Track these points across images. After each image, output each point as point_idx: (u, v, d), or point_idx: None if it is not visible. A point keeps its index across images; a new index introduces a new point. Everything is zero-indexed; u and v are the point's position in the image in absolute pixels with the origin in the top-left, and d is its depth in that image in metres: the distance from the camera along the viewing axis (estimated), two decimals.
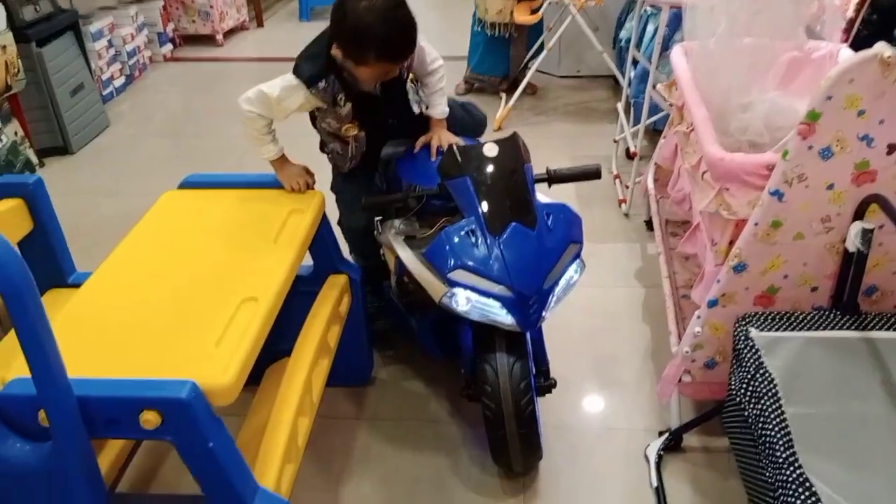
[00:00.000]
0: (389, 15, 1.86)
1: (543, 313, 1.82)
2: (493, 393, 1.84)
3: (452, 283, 1.78)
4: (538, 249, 1.80)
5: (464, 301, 1.79)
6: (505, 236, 1.79)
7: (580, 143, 3.98)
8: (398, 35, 1.89)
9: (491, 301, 1.77)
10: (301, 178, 2.06)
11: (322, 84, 1.97)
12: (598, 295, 2.76)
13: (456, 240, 1.80)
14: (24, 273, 1.14)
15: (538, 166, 1.98)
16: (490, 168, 1.89)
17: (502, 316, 1.78)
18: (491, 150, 1.91)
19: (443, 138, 2.13)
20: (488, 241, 1.79)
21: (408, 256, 1.93)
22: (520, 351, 1.87)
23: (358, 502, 2.01)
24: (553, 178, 2.02)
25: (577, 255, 1.89)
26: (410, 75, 2.14)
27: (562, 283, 1.84)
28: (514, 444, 1.88)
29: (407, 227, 2.02)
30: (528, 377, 1.85)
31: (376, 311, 2.42)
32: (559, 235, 1.85)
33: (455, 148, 1.93)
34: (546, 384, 2.02)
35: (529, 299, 1.77)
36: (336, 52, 1.93)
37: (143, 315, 1.56)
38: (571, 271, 1.87)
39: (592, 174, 2.04)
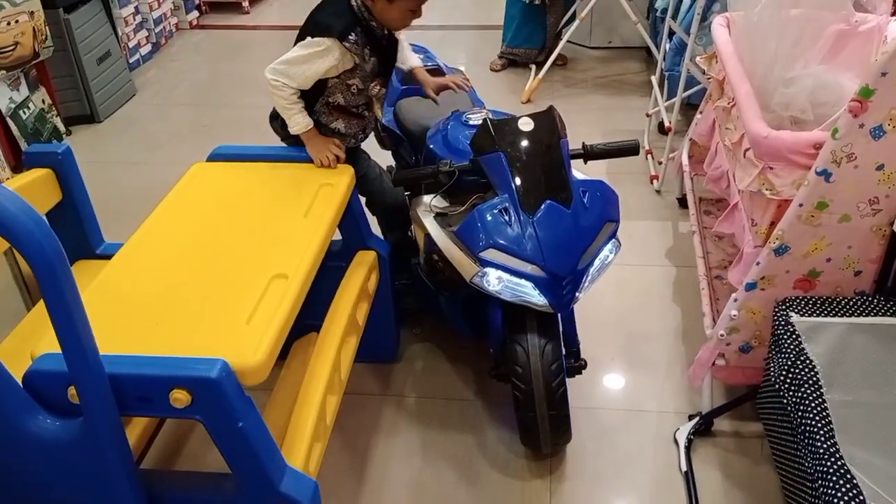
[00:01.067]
0: None
1: (577, 294, 1.78)
2: (524, 374, 1.81)
3: (484, 263, 1.75)
4: (573, 228, 1.76)
5: (495, 281, 1.76)
6: (539, 215, 1.75)
7: (611, 116, 3.90)
8: None
9: (523, 281, 1.74)
10: (331, 151, 2.00)
11: (353, 37, 1.94)
12: (628, 273, 2.71)
13: (488, 218, 1.76)
14: (56, 247, 1.12)
15: (570, 140, 1.93)
16: (525, 143, 1.84)
17: (535, 296, 1.75)
18: (526, 124, 1.86)
19: (442, 80, 2.32)
20: (521, 220, 1.75)
21: (438, 234, 1.90)
22: (551, 332, 1.84)
23: (383, 480, 2.01)
24: (589, 153, 1.97)
25: (614, 234, 1.84)
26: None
27: (596, 263, 1.81)
28: (543, 425, 1.86)
29: (438, 203, 1.98)
30: (560, 359, 1.82)
31: (404, 289, 2.39)
32: (595, 213, 1.81)
33: (489, 122, 1.88)
34: (576, 365, 1.98)
35: (563, 280, 1.73)
36: None
37: (172, 290, 1.54)
38: (606, 251, 1.83)
39: (630, 150, 1.99)
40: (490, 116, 2.03)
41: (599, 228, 1.80)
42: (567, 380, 1.95)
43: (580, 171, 1.99)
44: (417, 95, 2.41)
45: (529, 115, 1.89)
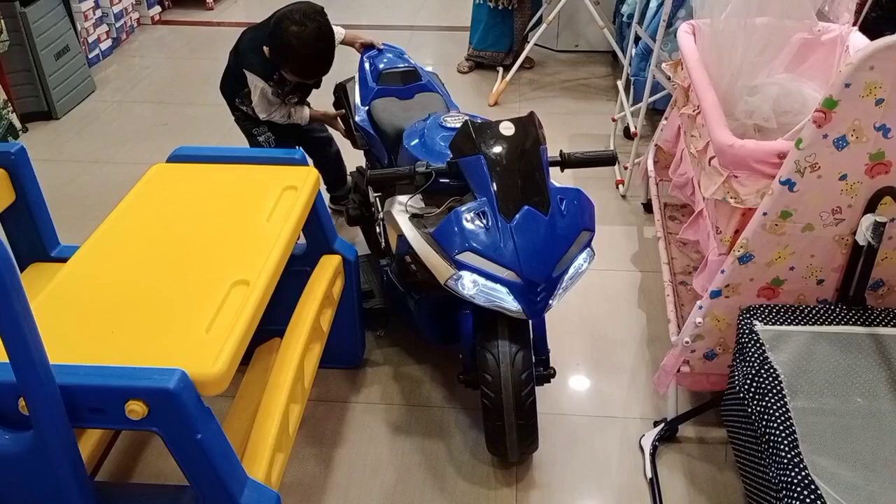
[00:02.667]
0: (311, 46, 2.31)
1: (551, 301, 1.77)
2: (494, 382, 1.79)
3: (460, 265, 1.73)
4: (549, 235, 1.75)
5: (470, 284, 1.75)
6: (517, 220, 1.74)
7: (578, 120, 3.91)
8: (316, 63, 2.37)
9: (498, 286, 1.73)
10: (338, 118, 2.68)
11: (274, 76, 2.47)
12: (594, 278, 2.71)
13: (466, 221, 1.75)
14: (3, 253, 1.07)
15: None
16: (505, 148, 1.82)
17: (508, 302, 1.74)
18: (507, 128, 1.84)
19: (368, 38, 2.72)
20: (499, 225, 1.73)
21: (413, 236, 1.87)
22: (523, 340, 1.82)
23: (348, 490, 1.97)
24: (567, 161, 1.97)
25: (588, 243, 1.84)
26: None
27: (571, 271, 1.80)
28: (511, 434, 1.84)
29: (413, 205, 1.95)
30: (530, 368, 1.81)
31: (369, 290, 2.37)
32: (572, 221, 1.80)
33: (469, 125, 1.86)
34: (545, 373, 1.97)
35: (538, 286, 1.72)
36: (266, 50, 2.39)
37: (129, 297, 1.49)
38: (581, 259, 1.82)
39: (607, 160, 1.99)
40: (469, 119, 2.01)
41: (575, 237, 1.79)
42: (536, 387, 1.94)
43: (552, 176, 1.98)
44: (392, 96, 2.41)
45: (510, 120, 1.88)
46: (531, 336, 1.86)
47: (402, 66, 2.52)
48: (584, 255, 1.82)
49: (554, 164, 1.94)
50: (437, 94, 2.47)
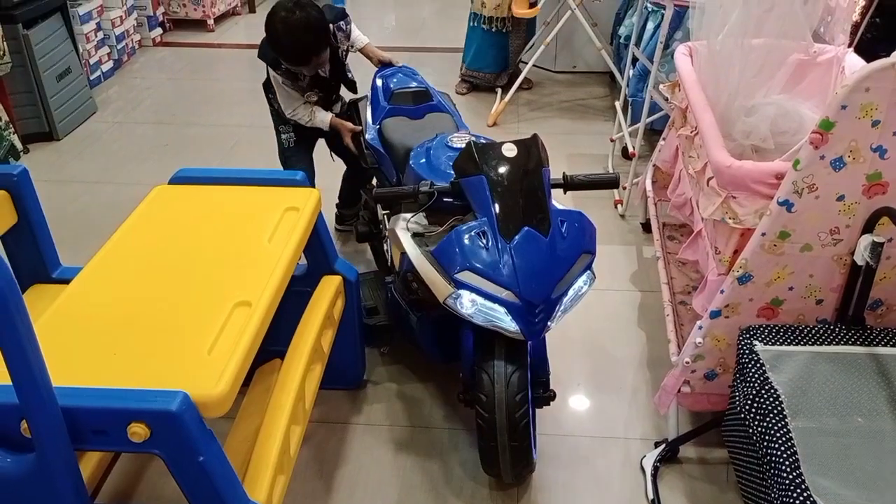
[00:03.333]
0: (297, 34, 2.36)
1: (549, 323, 1.77)
2: (488, 402, 1.78)
3: (459, 284, 1.74)
4: (549, 257, 1.75)
5: (469, 304, 1.75)
6: (516, 241, 1.74)
7: (576, 140, 3.93)
8: (300, 50, 2.41)
9: (497, 306, 1.73)
10: (347, 126, 2.61)
11: (281, 66, 2.51)
12: (593, 298, 2.69)
13: (466, 240, 1.76)
14: (7, 276, 1.08)
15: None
16: (507, 169, 1.83)
17: (506, 322, 1.74)
18: (510, 150, 1.86)
19: (386, 55, 2.76)
20: (499, 245, 1.74)
21: (415, 253, 1.88)
22: (520, 361, 1.82)
23: None
24: (570, 184, 1.97)
25: (589, 266, 1.84)
26: (348, 52, 2.69)
27: (570, 293, 1.79)
28: (504, 455, 1.83)
29: (416, 223, 1.96)
30: (526, 389, 1.80)
31: (374, 306, 2.36)
32: (572, 244, 1.80)
33: (473, 145, 1.88)
34: (545, 395, 1.96)
35: (536, 308, 1.72)
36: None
37: (131, 319, 1.50)
38: (581, 282, 1.82)
39: (610, 183, 2.00)
40: (473, 140, 2.03)
41: (575, 259, 1.79)
42: (536, 410, 1.93)
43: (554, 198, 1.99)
44: (403, 115, 2.44)
45: (513, 142, 1.89)
46: (530, 358, 1.85)
47: (413, 85, 2.55)
48: (584, 277, 1.82)
49: (557, 185, 1.95)
50: (448, 115, 2.49)
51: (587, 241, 1.84)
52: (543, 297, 1.73)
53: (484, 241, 1.75)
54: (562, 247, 1.78)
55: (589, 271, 1.84)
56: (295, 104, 2.61)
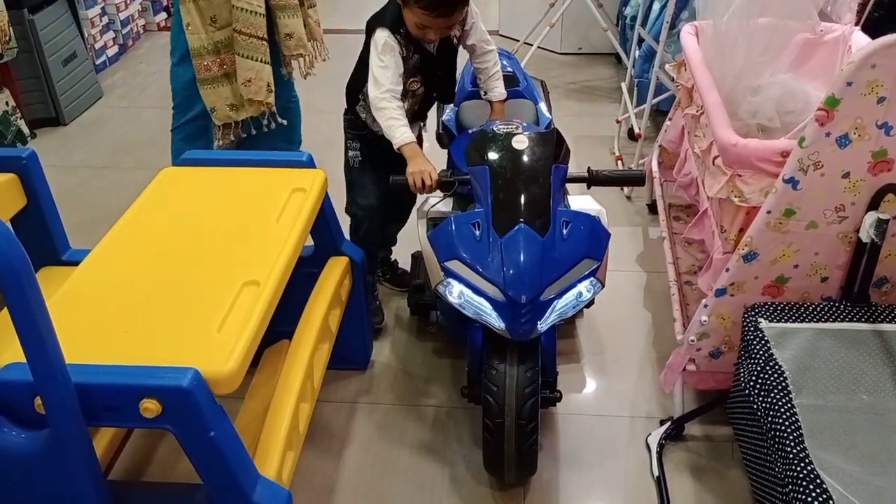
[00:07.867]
0: None
1: (539, 325, 1.69)
2: (497, 404, 1.71)
3: (448, 273, 1.73)
4: (542, 257, 1.68)
5: (457, 294, 1.73)
6: (508, 236, 1.70)
7: (582, 122, 3.92)
8: None
9: (483, 300, 1.69)
10: (427, 175, 1.93)
11: (402, 30, 2.03)
12: None
13: (461, 228, 1.74)
14: (21, 255, 1.09)
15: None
16: (513, 161, 1.80)
17: (492, 318, 1.69)
18: (520, 142, 1.83)
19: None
20: (490, 238, 1.70)
21: (422, 236, 1.88)
22: (532, 361, 1.74)
23: (357, 487, 1.99)
24: (593, 179, 1.93)
25: (593, 273, 1.75)
26: (460, 44, 2.22)
27: (567, 297, 1.72)
28: (510, 459, 1.77)
29: (440, 208, 1.96)
30: (537, 395, 1.73)
31: (421, 284, 2.33)
32: (572, 247, 1.73)
33: (485, 134, 1.86)
34: (551, 396, 1.91)
35: (522, 308, 1.65)
36: None
37: (141, 297, 1.51)
38: (581, 287, 1.73)
39: (636, 180, 1.98)
40: (521, 130, 1.92)
41: (574, 263, 1.72)
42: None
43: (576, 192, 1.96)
44: (483, 99, 2.34)
45: (527, 134, 1.84)
46: (540, 359, 1.78)
47: (503, 70, 2.39)
48: (586, 283, 1.74)
49: (580, 180, 1.92)
50: (529, 102, 2.40)
51: (593, 246, 1.76)
52: (530, 298, 1.65)
53: (477, 231, 1.71)
54: (559, 249, 1.71)
55: (593, 278, 1.75)
56: (388, 84, 2.02)
